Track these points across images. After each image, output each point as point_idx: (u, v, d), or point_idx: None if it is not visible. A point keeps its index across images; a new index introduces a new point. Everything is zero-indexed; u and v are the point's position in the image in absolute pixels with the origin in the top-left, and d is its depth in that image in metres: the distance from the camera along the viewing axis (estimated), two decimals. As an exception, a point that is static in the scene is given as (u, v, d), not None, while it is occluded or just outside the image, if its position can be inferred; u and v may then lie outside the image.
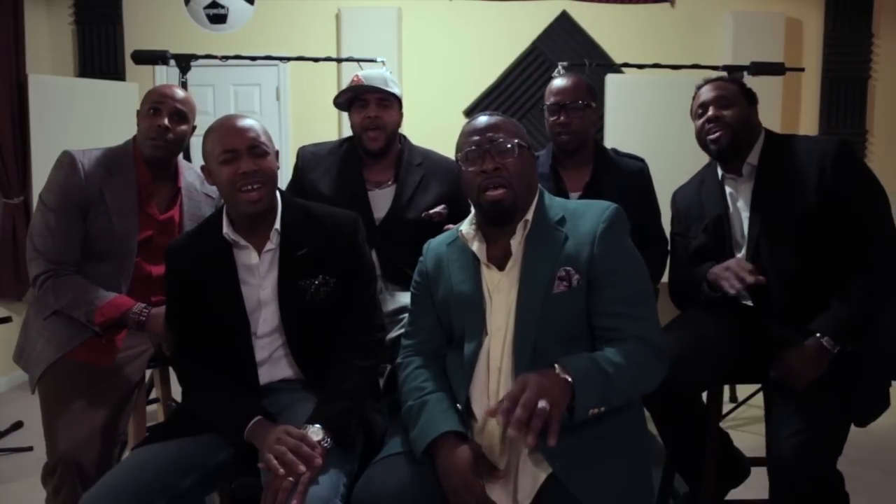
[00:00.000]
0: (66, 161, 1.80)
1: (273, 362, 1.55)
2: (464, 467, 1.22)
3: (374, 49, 3.77)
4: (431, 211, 2.09)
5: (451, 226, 1.71)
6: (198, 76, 3.35)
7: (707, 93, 1.81)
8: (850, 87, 4.38)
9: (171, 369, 1.93)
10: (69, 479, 1.52)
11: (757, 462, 1.87)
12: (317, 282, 1.51)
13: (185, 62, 2.96)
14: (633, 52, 4.15)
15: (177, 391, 1.67)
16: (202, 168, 1.55)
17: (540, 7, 4.43)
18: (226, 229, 1.51)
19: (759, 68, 3.23)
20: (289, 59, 3.33)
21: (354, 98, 2.09)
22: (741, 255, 1.77)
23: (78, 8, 4.38)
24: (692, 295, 1.87)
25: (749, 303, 1.80)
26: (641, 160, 2.22)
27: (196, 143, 1.92)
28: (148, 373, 2.04)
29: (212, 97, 4.42)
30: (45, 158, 3.10)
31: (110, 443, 1.62)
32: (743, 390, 3.12)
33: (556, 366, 1.21)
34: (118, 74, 4.38)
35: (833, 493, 1.56)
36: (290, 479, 1.23)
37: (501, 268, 1.39)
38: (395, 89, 2.09)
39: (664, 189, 2.14)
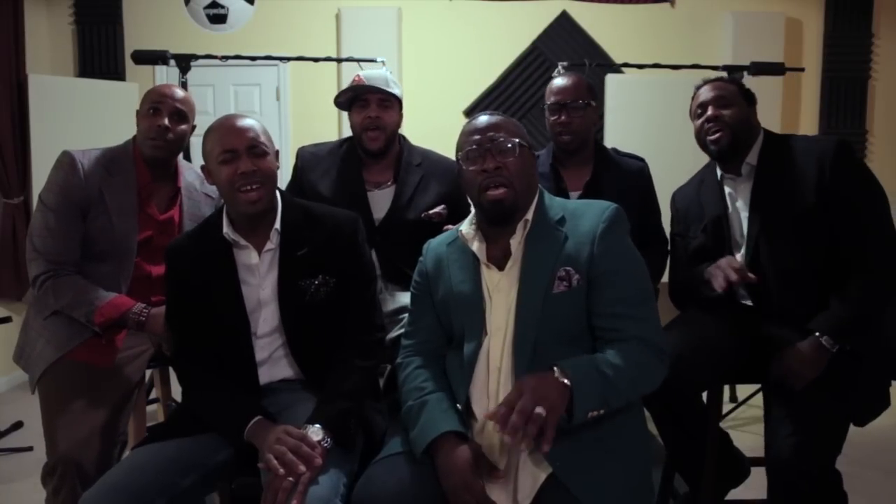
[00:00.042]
0: (66, 161, 1.80)
1: (273, 362, 1.55)
2: (464, 467, 1.22)
3: (374, 49, 3.77)
4: (431, 211, 2.09)
5: (450, 226, 1.70)
6: (198, 76, 3.36)
7: (706, 93, 1.81)
8: (850, 87, 4.38)
9: (171, 369, 1.93)
10: (69, 479, 1.52)
11: (757, 462, 1.87)
12: (317, 282, 1.51)
13: (185, 62, 2.96)
14: (633, 52, 4.15)
15: (177, 391, 1.67)
16: (202, 168, 1.55)
17: (540, 7, 4.43)
18: (226, 229, 1.51)
19: (759, 68, 3.23)
20: (289, 59, 3.33)
21: (355, 98, 2.09)
22: (741, 254, 1.77)
23: (78, 8, 4.38)
24: (692, 295, 1.87)
25: (749, 303, 1.81)
26: (642, 160, 2.22)
27: (196, 143, 1.92)
28: (148, 373, 2.04)
29: (212, 97, 4.42)
30: (45, 158, 3.10)
31: (110, 443, 1.62)
32: (743, 390, 3.12)
33: (555, 369, 1.21)
34: (118, 74, 4.38)
35: (831, 493, 1.56)
36: (290, 479, 1.23)
37: (501, 268, 1.39)
38: (396, 90, 2.09)
39: (664, 189, 2.14)
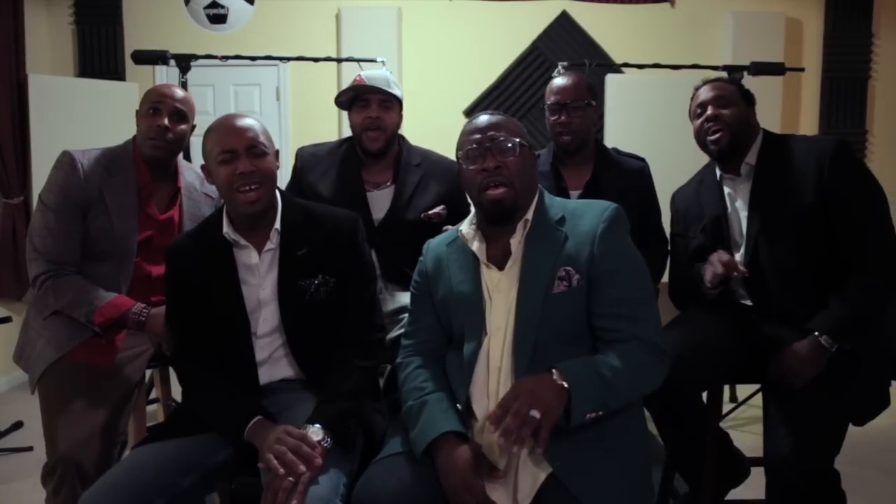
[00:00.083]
0: (66, 161, 1.80)
1: (273, 362, 1.55)
2: (464, 467, 1.22)
3: (374, 49, 3.77)
4: (431, 212, 2.09)
5: (449, 226, 1.70)
6: (198, 76, 3.35)
7: (705, 93, 1.81)
8: (850, 87, 4.38)
9: (171, 369, 1.93)
10: (69, 479, 1.52)
11: (757, 462, 1.87)
12: (317, 281, 1.51)
13: (185, 62, 2.96)
14: (633, 52, 4.15)
15: (177, 391, 1.67)
16: (202, 168, 1.55)
17: (540, 7, 4.43)
18: (226, 229, 1.51)
19: (759, 68, 3.23)
20: (289, 59, 3.33)
21: (356, 97, 2.09)
22: (740, 254, 1.77)
23: (78, 8, 4.38)
24: (691, 295, 1.88)
25: (748, 302, 1.81)
26: (642, 160, 2.22)
27: (196, 143, 1.92)
28: (148, 373, 2.04)
29: (212, 97, 4.42)
30: (45, 158, 3.10)
31: (110, 443, 1.62)
32: (743, 390, 3.12)
33: (553, 371, 1.21)
34: (118, 74, 4.38)
35: (829, 492, 1.56)
36: (290, 479, 1.23)
37: (501, 267, 1.39)
38: (396, 91, 2.09)
39: (664, 189, 2.14)
